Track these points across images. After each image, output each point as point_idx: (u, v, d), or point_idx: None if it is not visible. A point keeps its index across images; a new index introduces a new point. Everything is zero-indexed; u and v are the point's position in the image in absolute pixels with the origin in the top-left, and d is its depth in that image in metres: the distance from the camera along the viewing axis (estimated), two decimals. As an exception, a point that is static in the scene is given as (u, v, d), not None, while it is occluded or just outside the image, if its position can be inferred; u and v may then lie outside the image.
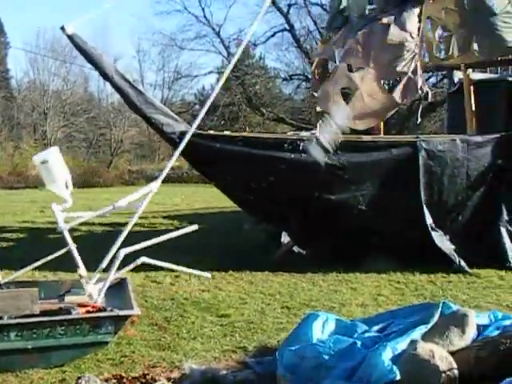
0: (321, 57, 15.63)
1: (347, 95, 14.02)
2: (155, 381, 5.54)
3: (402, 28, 12.56)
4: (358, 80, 12.81)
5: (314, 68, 15.52)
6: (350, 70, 13.30)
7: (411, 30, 12.62)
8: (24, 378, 6.20)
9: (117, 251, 6.78)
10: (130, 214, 7.73)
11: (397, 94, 12.70)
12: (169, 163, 7.50)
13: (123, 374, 5.80)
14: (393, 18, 12.84)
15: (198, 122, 7.59)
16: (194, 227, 7.35)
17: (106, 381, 5.48)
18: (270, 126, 45.08)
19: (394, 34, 12.53)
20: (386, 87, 14.67)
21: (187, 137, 7.37)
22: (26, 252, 12.42)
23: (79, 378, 5.40)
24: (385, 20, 12.87)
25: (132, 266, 7.10)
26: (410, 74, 12.32)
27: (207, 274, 7.86)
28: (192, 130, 7.66)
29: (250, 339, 7.37)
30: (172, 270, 9.93)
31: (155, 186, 7.10)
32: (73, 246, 7.02)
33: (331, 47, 14.77)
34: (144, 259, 7.01)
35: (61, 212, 7.04)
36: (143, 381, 5.60)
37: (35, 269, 8.21)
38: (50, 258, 7.54)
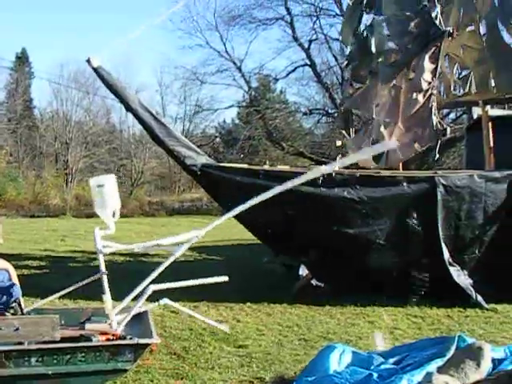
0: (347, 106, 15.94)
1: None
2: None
3: (421, 79, 12.79)
4: (387, 135, 13.03)
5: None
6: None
7: (428, 79, 12.80)
8: (44, 404, 6.26)
9: (146, 287, 6.86)
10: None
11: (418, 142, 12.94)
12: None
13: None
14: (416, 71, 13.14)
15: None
16: (225, 278, 7.39)
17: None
18: (290, 160, 45.17)
19: (416, 87, 12.80)
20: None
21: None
22: (47, 280, 12.55)
23: None
24: (411, 75, 13.13)
25: (155, 304, 7.31)
26: (432, 115, 12.46)
27: (225, 328, 7.91)
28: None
29: (268, 370, 7.41)
30: (190, 301, 10.10)
31: (201, 233, 7.08)
32: (104, 273, 7.12)
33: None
34: (166, 301, 7.15)
35: (100, 238, 7.15)
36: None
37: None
38: (81, 284, 7.70)
